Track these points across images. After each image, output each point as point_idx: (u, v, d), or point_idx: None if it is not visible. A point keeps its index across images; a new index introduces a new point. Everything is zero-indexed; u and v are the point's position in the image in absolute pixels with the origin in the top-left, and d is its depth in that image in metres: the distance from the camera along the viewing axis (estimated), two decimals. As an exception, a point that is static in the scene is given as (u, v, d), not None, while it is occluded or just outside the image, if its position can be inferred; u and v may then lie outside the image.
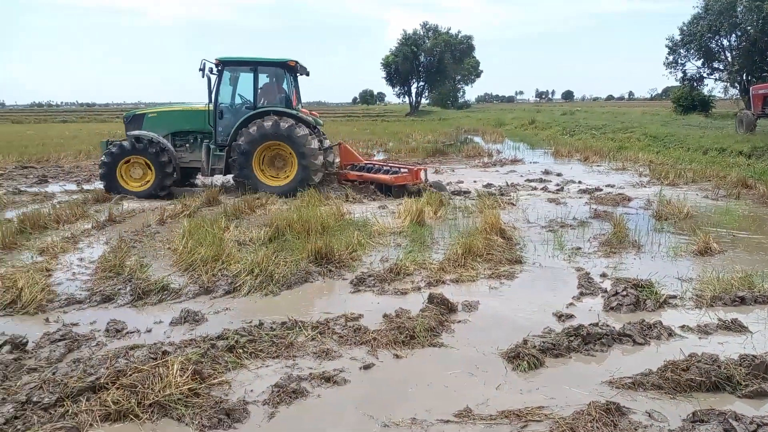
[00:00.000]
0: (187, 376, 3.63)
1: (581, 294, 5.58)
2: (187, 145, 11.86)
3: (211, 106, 11.40)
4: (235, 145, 11.14)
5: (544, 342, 4.30)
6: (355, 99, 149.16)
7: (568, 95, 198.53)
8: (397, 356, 4.23)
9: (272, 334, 4.53)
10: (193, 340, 4.41)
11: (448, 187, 11.80)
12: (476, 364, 4.12)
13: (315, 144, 11.12)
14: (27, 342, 4.44)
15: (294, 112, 11.39)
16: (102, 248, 7.22)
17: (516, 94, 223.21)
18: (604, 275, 6.15)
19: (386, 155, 20.25)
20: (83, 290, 5.72)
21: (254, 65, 11.48)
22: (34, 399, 3.48)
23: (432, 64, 67.59)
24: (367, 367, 4.06)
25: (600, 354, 4.29)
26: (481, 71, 79.24)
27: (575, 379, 3.89)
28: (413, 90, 71.85)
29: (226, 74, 11.58)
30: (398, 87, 71.90)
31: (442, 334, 4.63)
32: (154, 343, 4.33)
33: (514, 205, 10.15)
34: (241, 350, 4.24)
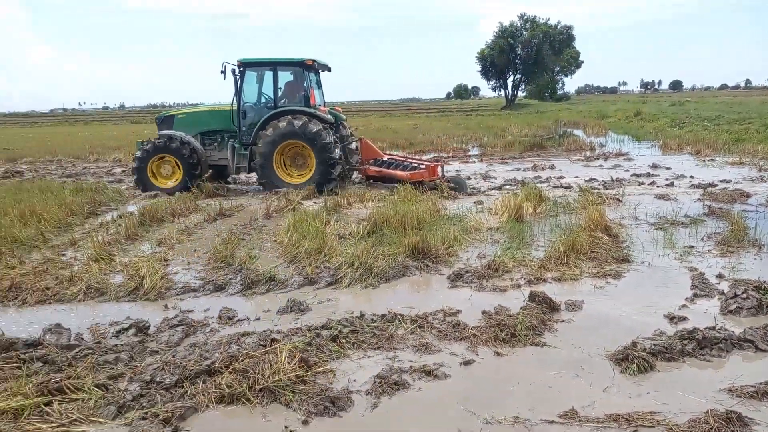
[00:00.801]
0: (295, 364, 3.78)
1: (695, 295, 5.23)
2: (215, 144, 12.32)
3: (236, 106, 11.84)
4: (255, 148, 11.54)
5: (654, 345, 4.08)
6: (449, 94, 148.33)
7: (676, 85, 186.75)
8: (497, 354, 4.18)
9: (373, 326, 4.61)
10: (299, 329, 4.58)
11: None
12: (581, 365, 3.98)
13: (330, 138, 11.29)
14: (149, 326, 4.79)
15: (311, 110, 11.56)
16: (213, 239, 7.65)
17: (619, 84, 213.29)
18: (720, 276, 5.74)
19: (481, 150, 20.01)
20: (197, 279, 6.09)
21: (273, 66, 11.76)
22: (157, 379, 3.75)
23: (529, 55, 65.86)
24: (467, 363, 4.03)
25: (717, 360, 4.01)
26: (582, 62, 76.06)
27: (690, 385, 3.67)
28: (509, 83, 70.43)
29: (251, 75, 11.95)
30: (494, 80, 70.80)
31: (544, 333, 4.51)
32: (263, 331, 4.54)
33: (619, 201, 9.69)
34: (344, 340, 4.35)
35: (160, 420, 3.31)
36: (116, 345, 4.39)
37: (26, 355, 4.11)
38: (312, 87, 11.90)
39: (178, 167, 11.85)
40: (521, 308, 4.88)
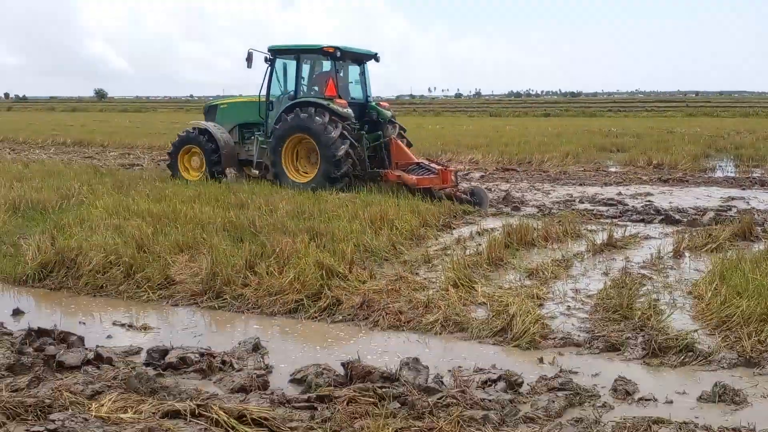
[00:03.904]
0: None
1: None
2: (252, 137, 14.58)
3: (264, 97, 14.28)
4: (267, 142, 13.78)
5: None
6: None
7: None
8: None
9: None
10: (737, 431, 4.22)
11: None
12: None
13: (335, 133, 12.72)
14: (522, 382, 5.01)
15: (324, 102, 13.14)
16: (601, 279, 7.67)
17: None
18: None
19: None
20: (581, 330, 6.18)
21: (297, 53, 13.98)
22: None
23: None
24: None
25: None
26: None
27: None
28: None
29: (281, 63, 14.20)
30: None
31: None
32: (684, 423, 4.30)
33: None
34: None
35: None
36: (483, 399, 4.68)
37: (382, 390, 4.67)
38: (333, 77, 13.55)
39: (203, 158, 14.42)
40: None
